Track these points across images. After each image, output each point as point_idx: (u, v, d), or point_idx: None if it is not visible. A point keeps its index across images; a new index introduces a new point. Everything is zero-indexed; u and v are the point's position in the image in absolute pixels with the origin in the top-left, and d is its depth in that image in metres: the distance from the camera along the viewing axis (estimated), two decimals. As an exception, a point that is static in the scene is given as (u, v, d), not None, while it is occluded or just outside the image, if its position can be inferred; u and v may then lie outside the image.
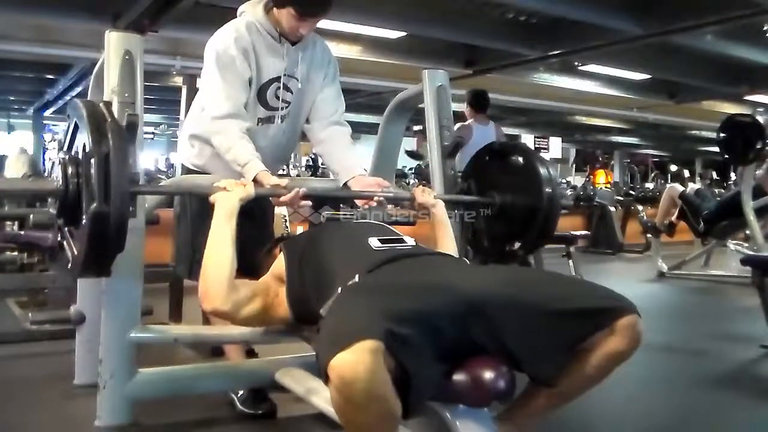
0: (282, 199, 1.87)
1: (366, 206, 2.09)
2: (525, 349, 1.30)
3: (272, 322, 1.73)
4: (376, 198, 2.02)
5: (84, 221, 1.53)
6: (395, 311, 1.21)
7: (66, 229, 1.72)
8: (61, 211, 1.65)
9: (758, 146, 4.93)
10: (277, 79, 2.07)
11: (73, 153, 1.68)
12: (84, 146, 1.57)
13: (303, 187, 1.90)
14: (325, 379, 1.15)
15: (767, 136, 4.91)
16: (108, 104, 1.70)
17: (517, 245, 2.22)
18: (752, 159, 5.03)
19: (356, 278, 1.43)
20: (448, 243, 1.96)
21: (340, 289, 1.42)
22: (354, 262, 1.49)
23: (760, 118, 5.41)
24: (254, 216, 2.20)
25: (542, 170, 2.18)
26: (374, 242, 1.57)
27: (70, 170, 1.59)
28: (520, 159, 2.25)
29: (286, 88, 2.10)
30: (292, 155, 5.97)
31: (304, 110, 2.19)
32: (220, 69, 1.98)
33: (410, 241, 1.65)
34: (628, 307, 1.31)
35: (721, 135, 5.19)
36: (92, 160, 1.52)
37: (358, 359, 1.11)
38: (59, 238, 1.78)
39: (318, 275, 1.56)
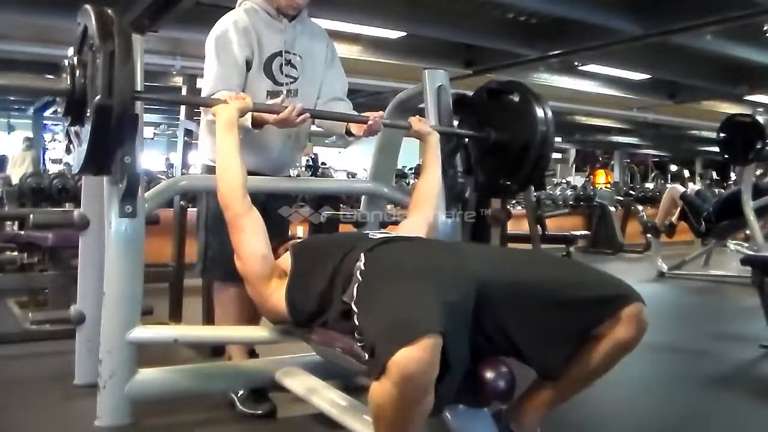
0: (280, 115, 1.91)
1: (360, 132, 2.13)
2: (529, 341, 1.31)
3: (263, 300, 1.70)
4: (372, 118, 2.07)
5: (88, 116, 1.63)
6: (442, 301, 1.22)
7: (72, 130, 1.81)
8: (68, 109, 1.74)
9: (758, 146, 4.93)
10: (279, 53, 2.16)
11: (81, 57, 1.75)
12: (91, 45, 1.66)
13: (303, 184, 1.91)
14: (381, 371, 1.13)
15: (767, 135, 4.91)
16: (117, 11, 1.76)
17: (510, 181, 2.31)
18: (752, 159, 5.03)
19: (361, 258, 1.45)
20: (434, 169, 2.07)
21: (358, 273, 1.41)
22: (357, 249, 1.51)
23: (760, 118, 5.40)
24: (274, 220, 2.20)
25: (537, 109, 2.23)
26: (374, 234, 1.62)
27: (78, 72, 1.70)
28: (517, 98, 2.30)
29: (290, 64, 2.18)
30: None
31: (311, 87, 2.26)
32: (217, 51, 2.08)
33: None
34: (633, 296, 1.32)
35: (721, 135, 5.19)
36: (98, 57, 1.61)
37: (423, 357, 1.11)
38: (66, 142, 1.89)
39: (318, 272, 1.56)
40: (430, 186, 2.05)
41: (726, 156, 5.35)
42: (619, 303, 1.31)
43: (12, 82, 1.94)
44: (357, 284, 1.38)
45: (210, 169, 2.18)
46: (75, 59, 1.73)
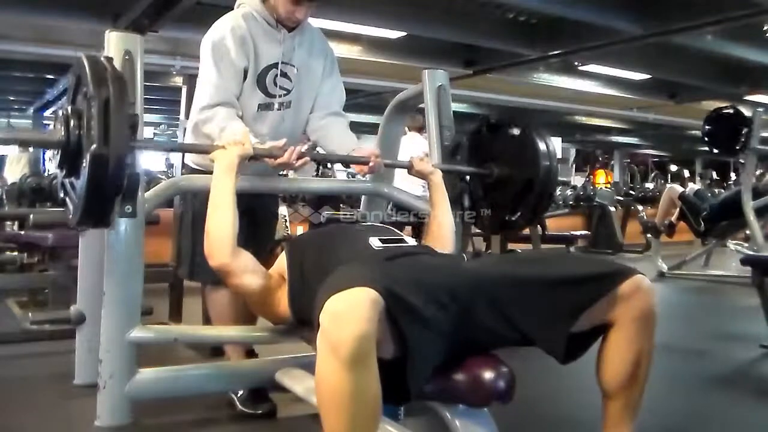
0: (280, 159, 1.89)
1: (362, 173, 2.12)
2: (532, 324, 1.31)
3: (270, 312, 1.72)
4: (372, 161, 2.06)
5: (84, 166, 1.58)
6: (398, 277, 1.22)
7: (68, 182, 1.76)
8: (63, 161, 1.69)
9: (743, 135, 4.93)
10: (275, 65, 2.10)
11: (75, 106, 1.71)
12: (85, 93, 1.62)
13: (304, 184, 1.91)
14: (317, 328, 1.12)
15: (750, 123, 4.93)
16: (109, 58, 1.74)
17: (515, 216, 2.28)
18: (740, 149, 5.03)
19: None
20: (444, 207, 2.03)
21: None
22: (355, 260, 1.50)
23: (758, 111, 5.37)
24: (259, 220, 2.20)
25: (540, 143, 2.21)
26: (375, 242, 1.58)
27: (72, 122, 1.64)
28: (519, 132, 2.28)
29: (285, 75, 2.12)
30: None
31: (306, 99, 2.21)
32: (215, 59, 2.02)
33: (411, 241, 1.67)
34: (627, 271, 1.33)
35: (707, 128, 5.19)
36: (93, 105, 1.57)
37: (353, 300, 1.09)
38: (61, 195, 1.83)
39: (321, 278, 1.56)
40: (444, 227, 1.99)
41: (715, 150, 5.34)
42: (615, 279, 1.31)
43: (7, 135, 1.88)
44: None
45: (194, 171, 2.20)
46: (69, 109, 1.67)
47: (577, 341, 1.34)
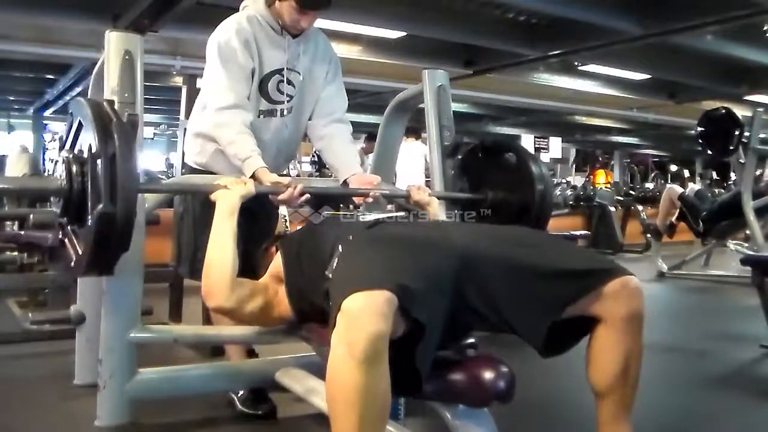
0: (281, 197, 1.88)
1: (363, 202, 2.11)
2: (515, 312, 1.32)
3: (273, 322, 1.74)
4: (372, 194, 2.05)
5: (89, 221, 1.53)
6: (405, 267, 1.24)
7: (69, 227, 1.71)
8: (65, 210, 1.63)
9: (736, 135, 4.95)
10: (279, 71, 2.09)
11: (76, 152, 1.66)
12: (90, 146, 1.55)
13: (303, 184, 1.92)
14: (332, 327, 1.14)
15: (743, 123, 4.93)
16: (112, 103, 1.70)
17: None
18: (733, 150, 5.04)
19: (351, 238, 1.47)
20: None
21: (340, 247, 1.43)
22: (348, 231, 1.53)
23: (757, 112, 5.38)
24: (257, 218, 2.20)
25: (534, 168, 2.21)
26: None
27: (74, 169, 1.57)
28: (513, 157, 2.27)
29: (288, 82, 2.11)
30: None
31: (307, 105, 2.20)
32: (223, 61, 2.00)
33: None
34: (617, 270, 1.33)
35: (699, 130, 5.21)
36: (98, 161, 1.51)
37: (372, 301, 1.11)
38: (60, 237, 1.77)
39: (316, 253, 1.56)
40: None
41: (709, 152, 5.36)
42: (603, 277, 1.30)
43: (6, 185, 1.82)
44: (337, 256, 1.41)
45: (193, 171, 2.20)
46: (70, 156, 1.60)
47: (560, 336, 1.34)
